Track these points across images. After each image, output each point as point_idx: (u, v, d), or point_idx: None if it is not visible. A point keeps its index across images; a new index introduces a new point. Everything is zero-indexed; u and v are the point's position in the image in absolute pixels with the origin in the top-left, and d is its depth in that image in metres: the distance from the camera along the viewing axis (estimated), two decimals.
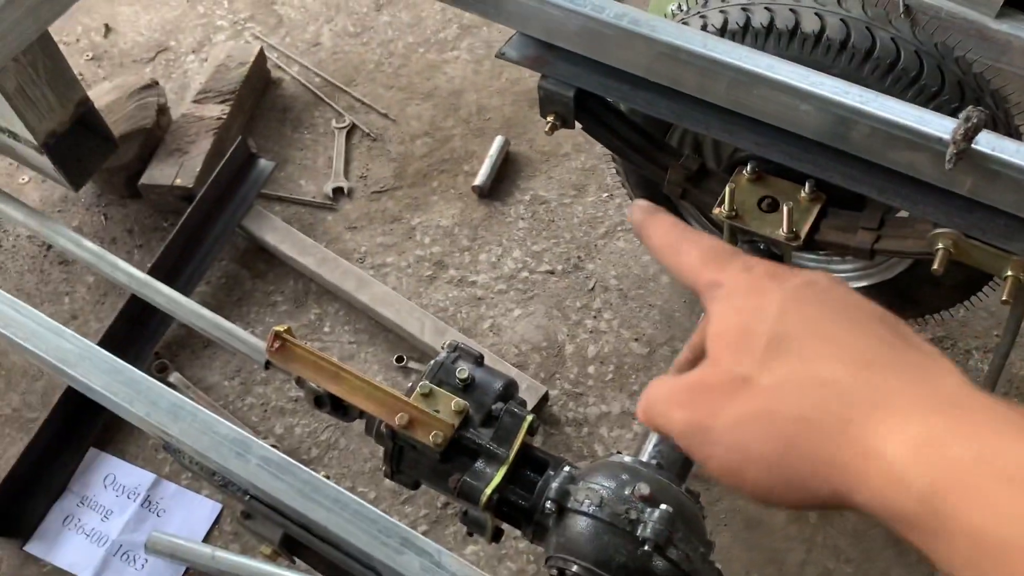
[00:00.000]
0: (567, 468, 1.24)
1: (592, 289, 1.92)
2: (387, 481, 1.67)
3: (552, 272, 1.94)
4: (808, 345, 0.44)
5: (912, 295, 1.56)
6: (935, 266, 1.16)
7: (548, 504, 1.19)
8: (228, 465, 0.92)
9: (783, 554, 1.59)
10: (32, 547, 1.61)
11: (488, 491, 1.19)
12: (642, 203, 0.60)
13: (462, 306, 1.89)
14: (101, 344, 1.76)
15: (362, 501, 0.90)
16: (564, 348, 1.84)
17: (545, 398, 1.72)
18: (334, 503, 0.90)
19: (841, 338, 0.44)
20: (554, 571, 1.21)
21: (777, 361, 0.44)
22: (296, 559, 1.09)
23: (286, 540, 1.06)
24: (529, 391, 1.71)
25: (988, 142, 0.98)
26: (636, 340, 1.84)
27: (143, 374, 0.99)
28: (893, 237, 1.31)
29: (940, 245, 1.17)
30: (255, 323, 1.88)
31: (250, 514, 1.05)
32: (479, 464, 1.23)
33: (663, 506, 1.15)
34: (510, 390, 1.31)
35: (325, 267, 1.87)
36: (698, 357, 0.51)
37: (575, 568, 1.15)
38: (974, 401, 0.40)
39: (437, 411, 1.21)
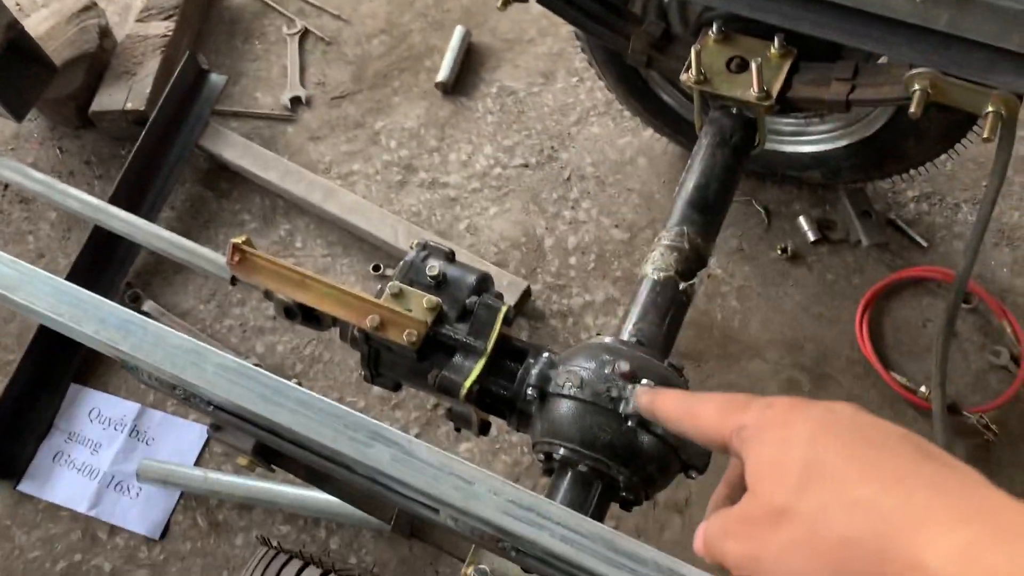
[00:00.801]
0: (546, 354, 1.21)
1: (568, 179, 1.86)
2: (376, 389, 1.65)
3: (526, 165, 1.88)
4: (840, 468, 0.47)
5: (896, 150, 1.51)
6: (912, 109, 1.10)
7: (530, 391, 1.16)
8: (185, 376, 0.88)
9: None
10: (25, 486, 1.61)
11: (468, 384, 1.16)
12: (641, 388, 0.68)
13: (436, 208, 1.84)
14: (69, 278, 1.72)
15: (326, 399, 0.86)
16: (544, 242, 1.79)
17: (527, 293, 1.69)
18: (298, 404, 0.86)
19: (871, 459, 0.47)
20: (541, 456, 1.19)
21: (813, 487, 0.47)
22: (274, 467, 1.07)
23: (260, 449, 1.03)
24: (511, 288, 1.67)
25: None
26: (616, 227, 1.79)
27: (90, 293, 0.95)
28: (868, 86, 1.25)
29: (917, 87, 1.11)
30: (224, 244, 1.82)
31: (219, 426, 1.03)
32: (457, 358, 1.20)
33: (644, 381, 1.12)
34: (484, 283, 1.27)
35: (290, 180, 1.81)
36: (734, 493, 0.55)
37: (561, 451, 1.14)
38: (1006, 508, 0.43)
39: (409, 310, 1.18)
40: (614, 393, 1.12)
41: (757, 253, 1.74)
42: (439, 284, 1.22)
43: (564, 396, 1.13)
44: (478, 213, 1.83)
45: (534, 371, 1.17)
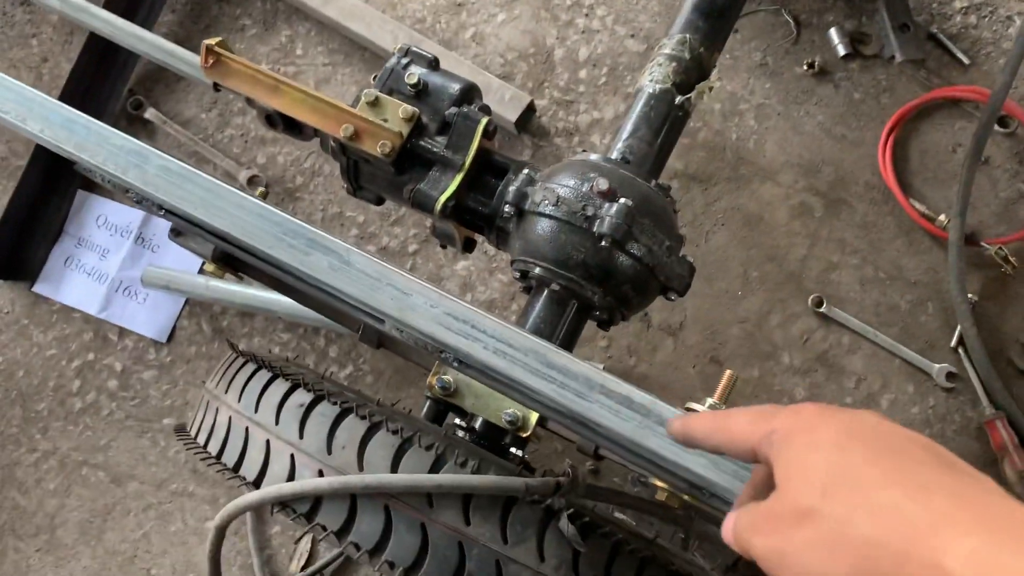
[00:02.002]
0: (527, 171, 1.16)
1: None
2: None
3: None
4: (865, 473, 0.49)
5: None
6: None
7: (507, 208, 1.13)
8: (127, 177, 0.86)
9: (784, 250, 1.53)
10: (40, 288, 1.66)
11: (442, 199, 1.13)
12: (672, 417, 0.70)
13: (441, 15, 1.73)
14: (68, 84, 1.70)
15: (269, 207, 0.84)
16: (553, 53, 1.69)
17: (531, 108, 1.61)
18: (238, 208, 0.84)
19: (894, 465, 0.49)
20: (517, 274, 1.17)
21: (838, 489, 0.49)
22: (240, 274, 1.07)
23: (222, 255, 1.03)
24: (512, 102, 1.59)
25: None
26: (632, 36, 1.67)
27: (36, 92, 0.92)
28: None
29: None
30: None
31: (179, 231, 1.02)
32: (434, 172, 1.16)
33: (622, 200, 1.08)
34: (468, 94, 1.21)
35: None
36: (759, 496, 0.57)
37: (537, 270, 1.11)
38: (1021, 514, 0.45)
39: (385, 120, 1.13)
40: (589, 212, 1.08)
41: (781, 68, 1.61)
42: (419, 93, 1.16)
43: (540, 214, 1.10)
44: (485, 20, 1.72)
45: (512, 187, 1.13)
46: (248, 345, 1.58)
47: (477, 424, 1.05)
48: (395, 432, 0.83)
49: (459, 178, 1.15)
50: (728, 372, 0.98)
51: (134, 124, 1.73)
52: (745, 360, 1.49)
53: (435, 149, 1.14)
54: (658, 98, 1.22)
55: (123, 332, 1.63)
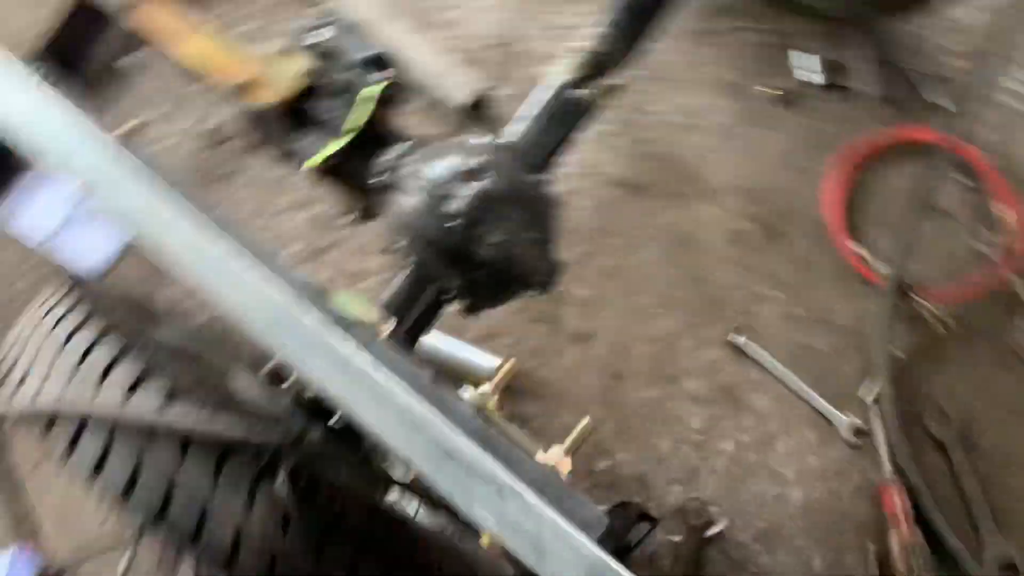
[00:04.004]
0: (410, 144, 1.15)
1: None
2: None
3: None
4: None
5: None
6: None
7: (380, 178, 1.13)
8: None
9: (711, 275, 1.46)
10: None
11: (317, 160, 1.14)
12: None
13: None
14: None
15: None
16: (529, 46, 1.67)
17: (484, 97, 1.59)
18: None
19: None
20: (384, 248, 1.17)
21: None
22: None
23: None
24: (465, 87, 1.58)
25: None
26: None
27: None
28: None
29: None
30: None
31: None
32: (320, 133, 1.17)
33: (482, 183, 1.06)
34: (378, 62, 1.21)
35: None
36: None
37: (398, 244, 1.11)
38: None
39: (282, 74, 1.15)
40: (446, 191, 1.07)
41: (747, 89, 1.55)
42: (326, 54, 1.17)
43: (404, 189, 1.09)
44: (470, 4, 1.72)
45: (384, 159, 1.13)
46: None
47: None
48: (143, 365, 0.84)
49: (340, 142, 1.15)
50: (584, 422, 0.93)
51: None
52: (648, 379, 1.44)
53: (319, 111, 1.15)
54: (556, 90, 1.19)
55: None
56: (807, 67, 1.52)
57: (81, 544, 1.47)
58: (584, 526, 0.73)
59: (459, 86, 1.60)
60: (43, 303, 1.03)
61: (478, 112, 1.63)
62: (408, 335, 1.13)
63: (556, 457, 0.83)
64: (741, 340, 1.41)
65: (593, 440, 1.43)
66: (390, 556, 0.85)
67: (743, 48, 1.57)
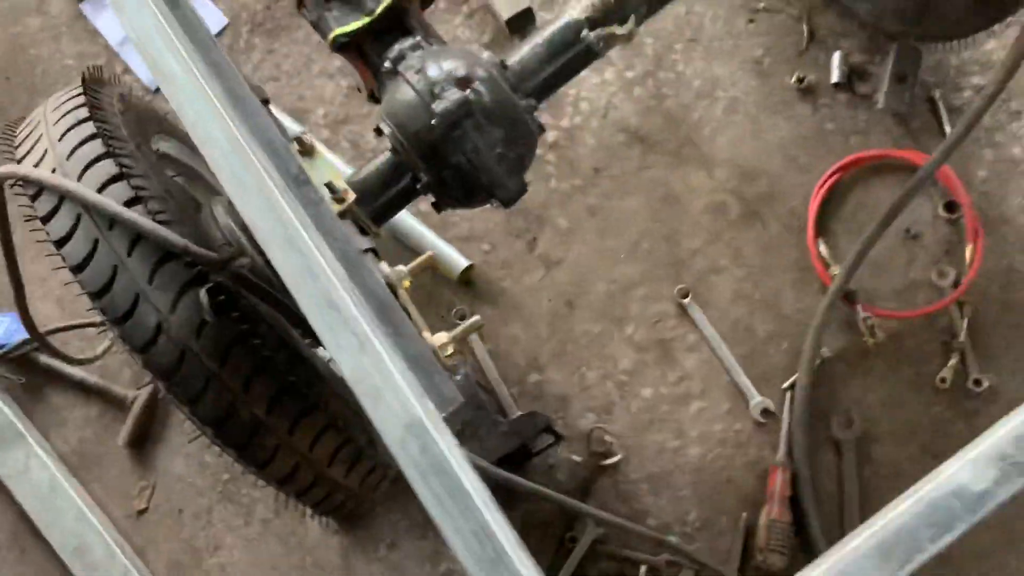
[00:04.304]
0: (420, 38, 1.25)
1: None
2: None
3: None
4: None
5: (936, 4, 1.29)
6: None
7: (387, 63, 1.23)
8: None
9: (682, 237, 1.54)
10: (84, 6, 1.90)
11: (334, 33, 1.25)
12: None
13: None
14: None
15: None
16: None
17: (528, 13, 1.65)
18: None
19: None
20: (375, 130, 1.27)
21: None
22: None
23: None
24: (511, 3, 1.65)
25: None
26: None
27: None
28: None
29: None
30: None
31: None
32: (348, 8, 1.27)
33: (468, 91, 1.15)
34: None
35: None
36: None
37: (386, 130, 1.21)
38: None
39: None
40: (437, 90, 1.16)
41: (774, 72, 1.59)
42: None
43: (405, 79, 1.19)
44: None
45: (397, 47, 1.22)
46: None
47: None
48: (120, 167, 0.97)
49: (363, 21, 1.25)
50: (474, 318, 1.02)
51: None
52: (595, 315, 1.54)
53: None
54: (568, 26, 1.26)
55: (127, 71, 1.85)
56: (834, 65, 1.55)
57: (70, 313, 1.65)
58: (439, 400, 0.85)
59: (506, 1, 1.67)
60: (65, 94, 1.17)
61: (521, 28, 1.70)
62: (375, 212, 1.25)
63: (440, 340, 0.94)
64: (688, 302, 1.50)
65: (532, 355, 1.55)
66: (286, 383, 0.99)
67: (782, 32, 1.61)
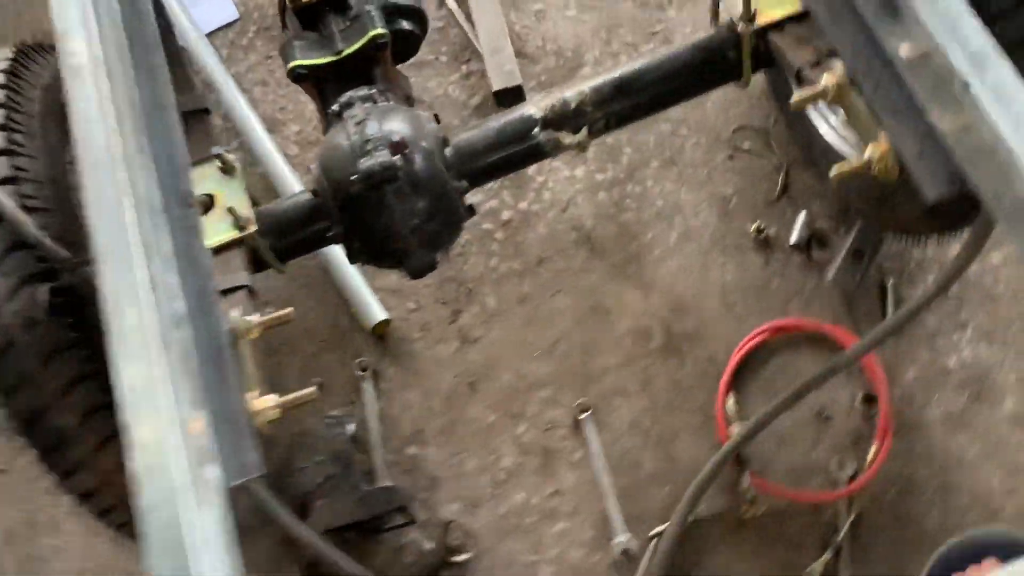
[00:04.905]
0: (375, 90, 1.23)
1: None
2: None
3: None
4: None
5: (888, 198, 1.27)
6: None
7: (335, 106, 1.22)
8: None
9: (600, 352, 1.51)
10: None
11: (294, 64, 1.24)
12: None
13: None
14: None
15: None
16: (582, 67, 1.71)
17: (517, 91, 1.64)
18: None
19: None
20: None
21: None
22: None
23: None
24: (505, 76, 1.65)
25: None
26: None
27: None
28: None
29: None
30: None
31: None
32: (316, 41, 1.28)
33: (398, 156, 1.12)
34: (407, 12, 1.32)
35: None
36: None
37: (314, 170, 1.20)
38: None
39: None
40: (369, 147, 1.14)
41: (737, 215, 1.56)
42: None
43: (342, 127, 1.17)
44: (556, 4, 1.77)
45: (352, 94, 1.22)
46: None
47: None
48: (8, 142, 0.95)
49: (327, 59, 1.25)
50: (310, 389, 0.96)
51: None
52: (493, 404, 1.50)
53: (330, 22, 1.25)
54: (522, 120, 1.24)
55: None
56: (797, 225, 1.52)
57: None
58: (236, 466, 0.81)
59: (500, 71, 1.67)
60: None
61: (509, 103, 1.69)
62: (283, 249, 1.22)
63: (264, 404, 0.91)
64: (585, 418, 1.46)
65: (419, 427, 1.51)
66: (106, 401, 0.95)
67: (757, 177, 1.58)
